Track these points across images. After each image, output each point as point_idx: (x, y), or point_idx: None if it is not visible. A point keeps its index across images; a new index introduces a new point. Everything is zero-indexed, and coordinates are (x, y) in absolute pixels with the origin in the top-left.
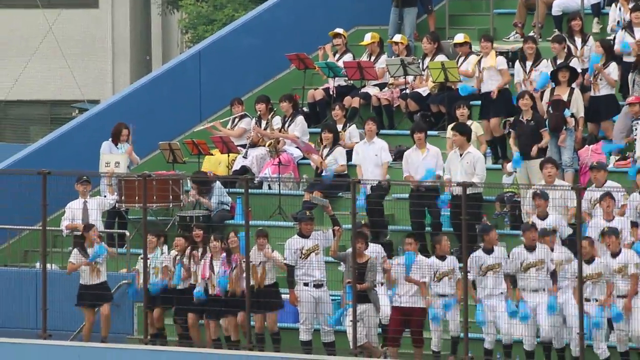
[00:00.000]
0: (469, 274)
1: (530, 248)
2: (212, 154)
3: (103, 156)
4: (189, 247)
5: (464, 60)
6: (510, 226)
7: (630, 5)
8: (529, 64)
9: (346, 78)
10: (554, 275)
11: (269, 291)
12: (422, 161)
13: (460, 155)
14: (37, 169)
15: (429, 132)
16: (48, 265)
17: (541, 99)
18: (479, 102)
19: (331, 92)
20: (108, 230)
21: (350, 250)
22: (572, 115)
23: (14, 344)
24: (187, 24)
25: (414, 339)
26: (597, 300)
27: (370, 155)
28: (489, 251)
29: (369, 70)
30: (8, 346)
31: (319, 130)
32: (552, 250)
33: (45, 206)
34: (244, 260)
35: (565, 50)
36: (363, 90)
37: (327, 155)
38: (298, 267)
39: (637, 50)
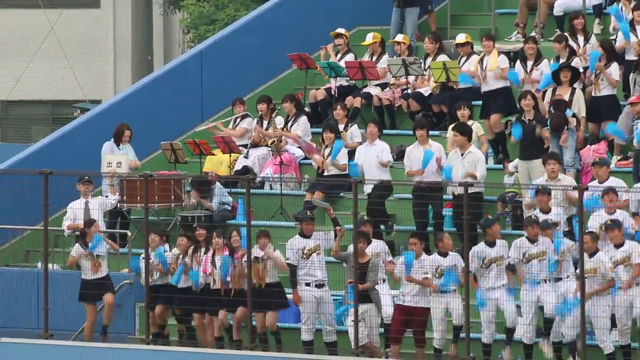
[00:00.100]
0: (470, 266)
1: (533, 240)
2: (213, 154)
3: (105, 156)
4: (192, 247)
5: (465, 61)
6: (512, 226)
7: (632, 5)
8: (530, 63)
9: (348, 78)
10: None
11: (273, 290)
12: (423, 157)
13: (462, 155)
14: (38, 169)
15: (430, 132)
16: (49, 265)
17: (543, 99)
18: (480, 102)
19: (333, 92)
20: (110, 230)
21: (351, 250)
22: (574, 115)
23: (15, 344)
24: (189, 24)
25: (416, 339)
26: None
27: (372, 157)
28: (491, 244)
29: (371, 70)
30: (10, 346)
31: (320, 130)
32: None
33: (46, 206)
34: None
35: (567, 49)
36: (365, 90)
37: (329, 155)
38: (300, 267)
39: (639, 50)
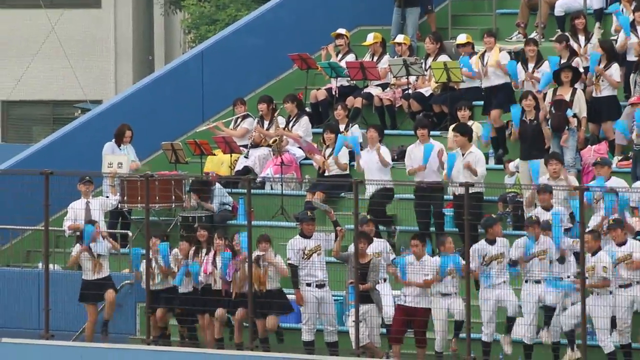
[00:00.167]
0: (471, 265)
1: (534, 239)
2: (214, 154)
3: (106, 157)
4: (193, 249)
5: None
6: (513, 226)
7: (633, 6)
8: (531, 65)
9: (349, 78)
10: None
11: (273, 296)
12: (424, 152)
13: (462, 155)
14: (39, 169)
15: (431, 133)
16: (50, 266)
17: (544, 99)
18: (481, 103)
19: (334, 93)
20: (111, 231)
21: (352, 250)
22: (575, 116)
23: (16, 344)
24: (190, 24)
25: (417, 339)
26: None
27: (373, 162)
28: (491, 242)
29: (372, 71)
30: (10, 346)
31: (321, 130)
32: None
33: (47, 206)
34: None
35: (568, 49)
36: (365, 90)
37: (330, 155)
38: (300, 267)
39: (639, 50)
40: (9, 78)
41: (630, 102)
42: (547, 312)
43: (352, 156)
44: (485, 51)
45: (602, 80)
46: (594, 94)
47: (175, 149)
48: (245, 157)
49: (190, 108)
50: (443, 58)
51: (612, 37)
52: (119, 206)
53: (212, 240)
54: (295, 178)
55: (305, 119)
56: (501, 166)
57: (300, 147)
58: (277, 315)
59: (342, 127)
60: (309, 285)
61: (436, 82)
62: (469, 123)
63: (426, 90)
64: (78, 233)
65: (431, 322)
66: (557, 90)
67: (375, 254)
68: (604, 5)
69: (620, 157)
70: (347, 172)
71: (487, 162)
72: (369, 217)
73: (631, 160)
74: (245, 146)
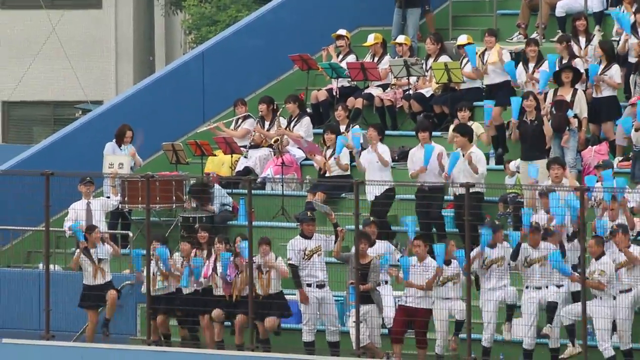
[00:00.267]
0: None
1: (534, 246)
2: (215, 155)
3: (106, 157)
4: (194, 251)
5: (467, 62)
6: (513, 227)
7: (634, 8)
8: (531, 65)
9: (349, 79)
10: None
11: (274, 300)
12: (425, 154)
13: (463, 155)
14: (40, 170)
15: (433, 133)
16: (51, 266)
17: (544, 100)
18: (482, 103)
19: (334, 93)
20: (111, 231)
21: (353, 251)
22: (576, 116)
23: (17, 345)
24: (191, 25)
25: (418, 340)
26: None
27: (372, 161)
28: (492, 246)
29: (372, 71)
30: (11, 347)
31: (321, 131)
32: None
33: (48, 207)
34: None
35: (568, 50)
36: (366, 91)
37: (331, 156)
38: (301, 268)
39: (639, 51)
40: (9, 79)
41: (631, 102)
42: (549, 309)
43: (354, 157)
44: (485, 50)
45: (602, 81)
46: (594, 95)
47: (176, 150)
48: (244, 157)
49: (191, 109)
50: (444, 59)
51: (613, 39)
52: (120, 207)
53: (213, 241)
54: (295, 179)
55: (306, 120)
56: (502, 166)
57: (299, 148)
58: (277, 317)
59: (342, 127)
60: (309, 285)
61: (437, 83)
62: (469, 123)
63: (427, 91)
64: (73, 231)
65: (432, 322)
66: (557, 91)
67: (376, 256)
68: (604, 7)
69: (621, 158)
70: (348, 172)
71: (487, 162)
72: (372, 219)
73: (631, 160)
74: (245, 147)
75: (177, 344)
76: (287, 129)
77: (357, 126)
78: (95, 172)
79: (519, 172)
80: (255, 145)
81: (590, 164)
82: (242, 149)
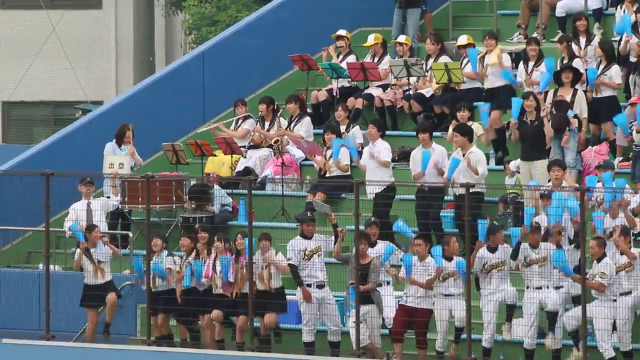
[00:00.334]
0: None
1: (534, 246)
2: (215, 155)
3: (107, 157)
4: (194, 251)
5: (467, 62)
6: (513, 227)
7: (635, 7)
8: (531, 64)
9: (349, 79)
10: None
11: (275, 294)
12: (422, 159)
13: (463, 155)
14: (40, 170)
15: (434, 134)
16: (51, 267)
17: (545, 100)
18: (482, 104)
19: (334, 93)
20: (111, 232)
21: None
22: (576, 116)
23: (17, 345)
24: (191, 25)
25: (418, 340)
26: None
27: (373, 160)
28: (492, 250)
29: (372, 72)
30: (11, 347)
31: (322, 131)
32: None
33: (48, 207)
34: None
35: (568, 50)
36: (366, 91)
37: (331, 156)
38: (301, 268)
39: (638, 51)
40: (10, 79)
41: (630, 102)
42: (550, 317)
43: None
44: (486, 53)
45: (602, 84)
46: (594, 95)
47: (176, 150)
48: (243, 157)
49: (191, 109)
50: (444, 59)
51: (613, 39)
52: (120, 207)
53: (213, 242)
54: (295, 179)
55: (307, 120)
56: (502, 167)
57: (299, 148)
58: (276, 313)
59: (343, 128)
60: (309, 286)
61: (437, 83)
62: (469, 123)
63: (427, 91)
64: (73, 232)
65: (432, 322)
66: (557, 91)
67: (377, 257)
68: (603, 5)
69: (621, 158)
70: (349, 173)
71: (487, 163)
72: (373, 219)
73: (631, 161)
74: (245, 147)
75: (177, 345)
76: (288, 129)
77: (358, 126)
78: (95, 173)
79: (518, 173)
80: (255, 146)
81: (590, 164)
82: (242, 149)
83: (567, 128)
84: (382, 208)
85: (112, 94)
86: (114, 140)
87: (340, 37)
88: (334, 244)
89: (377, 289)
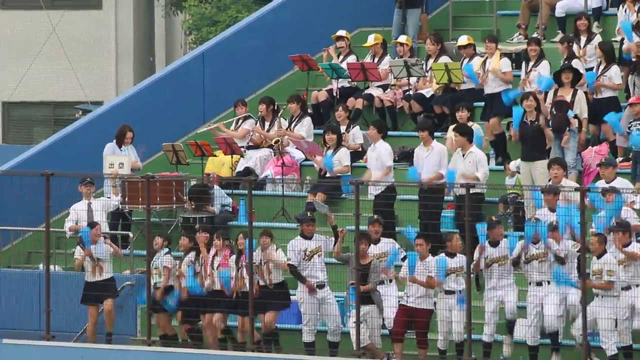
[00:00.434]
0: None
1: (534, 241)
2: (215, 156)
3: (107, 157)
4: (194, 252)
5: (468, 62)
6: (513, 227)
7: (637, 7)
8: (530, 64)
9: (349, 79)
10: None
11: (274, 291)
12: (425, 159)
13: (463, 155)
14: (40, 171)
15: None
16: (51, 267)
17: (545, 100)
18: (482, 104)
19: (334, 94)
20: (111, 232)
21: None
22: (576, 117)
23: (17, 345)
24: (191, 25)
25: (419, 340)
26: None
27: (372, 159)
28: (494, 244)
29: (373, 72)
30: (11, 347)
31: (322, 131)
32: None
33: (48, 207)
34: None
35: (568, 50)
36: (366, 91)
37: (331, 156)
38: (301, 268)
39: (637, 51)
40: (10, 79)
41: (630, 102)
42: (552, 341)
43: (354, 157)
44: (487, 58)
45: (602, 85)
46: (594, 95)
47: (176, 150)
48: (241, 157)
49: (191, 109)
50: (444, 59)
51: (614, 39)
52: (120, 207)
53: (213, 242)
54: (296, 179)
55: (307, 120)
56: (502, 167)
57: (297, 148)
58: (276, 310)
59: (343, 128)
60: None
61: (437, 84)
62: (469, 124)
63: (427, 91)
64: (80, 234)
65: (433, 322)
66: (558, 91)
67: (382, 254)
68: (602, 5)
69: (621, 158)
70: (349, 173)
71: (487, 163)
72: (376, 217)
73: (631, 161)
74: (244, 147)
75: (177, 345)
76: (289, 129)
77: (358, 127)
78: (95, 173)
79: (519, 173)
80: (254, 146)
81: (590, 165)
82: (243, 149)
83: (567, 128)
84: (382, 208)
85: (112, 94)
86: (114, 141)
87: (340, 38)
88: (334, 244)
89: (379, 288)
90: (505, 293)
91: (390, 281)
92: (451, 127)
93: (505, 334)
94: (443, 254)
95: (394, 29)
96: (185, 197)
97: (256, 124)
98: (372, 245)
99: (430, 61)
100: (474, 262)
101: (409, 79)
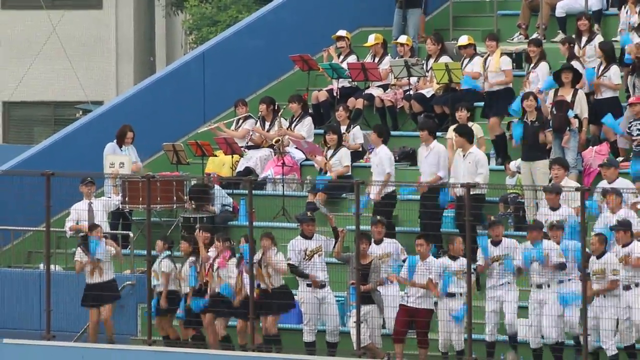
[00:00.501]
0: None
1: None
2: (216, 155)
3: (107, 157)
4: (196, 255)
5: (468, 62)
6: (514, 227)
7: (638, 9)
8: (530, 65)
9: (350, 79)
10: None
11: (280, 293)
12: (424, 159)
13: (463, 156)
14: (40, 170)
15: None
16: (52, 267)
17: (545, 101)
18: (482, 104)
19: (335, 94)
20: (112, 232)
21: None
22: (576, 116)
23: (18, 345)
24: (191, 25)
25: (419, 340)
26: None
27: (374, 165)
28: (496, 243)
29: (373, 72)
30: (12, 347)
31: (322, 131)
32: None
33: (49, 207)
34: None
35: (568, 51)
36: (367, 91)
37: (332, 156)
38: (302, 268)
39: (637, 53)
40: (10, 79)
41: (630, 102)
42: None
43: (355, 157)
44: (488, 56)
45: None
46: (595, 96)
47: (177, 150)
48: (241, 156)
49: (192, 109)
50: (444, 59)
51: (614, 39)
52: (120, 207)
53: (213, 242)
54: (296, 179)
55: (308, 120)
56: (502, 167)
57: (297, 148)
58: (277, 313)
59: (343, 128)
60: (309, 285)
61: (438, 83)
62: (469, 124)
63: (427, 91)
64: (82, 234)
65: (434, 322)
66: (558, 91)
67: (385, 255)
68: (602, 6)
69: (622, 158)
70: (349, 173)
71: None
72: (378, 218)
73: (631, 160)
74: (247, 147)
75: (178, 344)
76: (289, 128)
77: (358, 127)
78: (96, 173)
79: (519, 173)
80: (253, 146)
81: (591, 165)
82: (244, 149)
83: (568, 128)
84: (383, 208)
85: (112, 94)
86: (115, 141)
87: (340, 38)
88: (334, 244)
89: (380, 288)
90: (505, 292)
91: (391, 282)
92: (451, 127)
93: (508, 350)
94: (446, 257)
95: (394, 29)
96: (185, 197)
97: (256, 124)
98: (375, 245)
99: (431, 61)
100: (477, 263)
101: (409, 79)
